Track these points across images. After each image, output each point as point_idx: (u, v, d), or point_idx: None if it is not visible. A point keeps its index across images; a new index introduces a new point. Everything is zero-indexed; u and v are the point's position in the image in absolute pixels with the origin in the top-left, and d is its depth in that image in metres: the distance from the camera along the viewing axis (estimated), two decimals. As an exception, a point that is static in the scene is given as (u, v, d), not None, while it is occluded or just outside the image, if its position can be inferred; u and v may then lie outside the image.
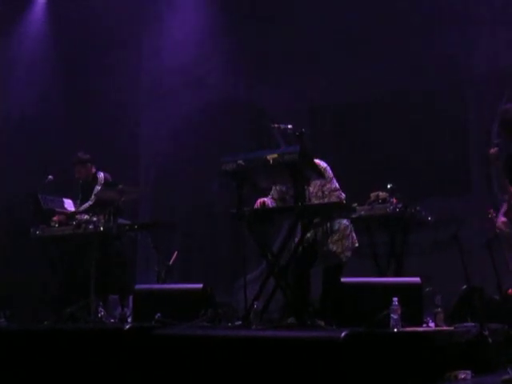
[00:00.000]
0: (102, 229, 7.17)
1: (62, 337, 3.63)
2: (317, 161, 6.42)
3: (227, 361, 2.77)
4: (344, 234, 6.35)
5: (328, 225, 6.34)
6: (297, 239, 6.09)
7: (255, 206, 6.34)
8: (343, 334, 2.53)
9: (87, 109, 10.43)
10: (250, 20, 10.43)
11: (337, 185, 6.48)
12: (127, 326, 3.17)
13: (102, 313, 7.14)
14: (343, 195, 6.41)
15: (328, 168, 6.52)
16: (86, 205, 7.85)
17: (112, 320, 7.15)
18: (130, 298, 7.31)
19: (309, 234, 6.29)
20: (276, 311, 6.84)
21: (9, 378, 3.82)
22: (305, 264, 6.31)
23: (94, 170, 8.18)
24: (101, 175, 8.10)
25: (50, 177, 7.87)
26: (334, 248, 6.32)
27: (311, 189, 6.41)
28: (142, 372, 3.07)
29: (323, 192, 6.42)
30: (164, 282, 7.38)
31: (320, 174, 6.18)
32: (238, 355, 2.74)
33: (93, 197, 7.84)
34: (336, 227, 6.36)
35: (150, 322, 5.69)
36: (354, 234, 6.47)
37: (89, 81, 10.57)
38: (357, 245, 6.47)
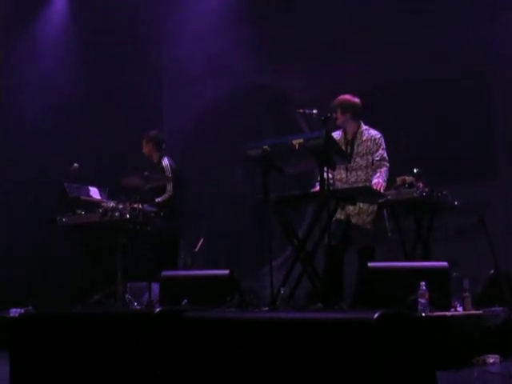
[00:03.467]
0: (128, 216, 7.18)
1: (91, 321, 3.63)
2: (372, 130, 6.74)
3: (258, 343, 2.76)
4: (379, 216, 6.45)
5: (361, 205, 6.39)
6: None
7: None
8: (376, 315, 2.50)
9: (110, 98, 10.44)
10: (274, 5, 10.40)
11: (386, 155, 6.65)
12: (157, 310, 3.17)
13: (128, 299, 7.20)
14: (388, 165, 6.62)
15: (382, 138, 6.72)
16: (164, 197, 7.89)
17: (139, 307, 7.20)
18: (156, 285, 7.33)
19: (342, 217, 6.36)
20: (302, 298, 6.84)
21: (38, 365, 3.83)
22: (338, 247, 6.35)
23: (157, 154, 8.21)
24: (165, 162, 8.15)
25: (76, 165, 7.84)
26: (369, 227, 6.40)
27: (360, 148, 6.60)
28: (172, 354, 3.07)
29: (373, 158, 6.61)
30: (190, 269, 7.40)
31: (345, 157, 6.21)
32: (269, 337, 2.73)
33: (169, 188, 7.87)
34: (370, 209, 6.42)
35: (176, 308, 5.72)
36: (387, 223, 6.55)
37: (111, 70, 10.58)
38: (389, 234, 6.55)
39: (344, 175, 6.63)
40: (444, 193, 6.47)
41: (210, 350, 2.96)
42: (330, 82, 9.55)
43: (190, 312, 3.08)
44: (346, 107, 6.71)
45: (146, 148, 8.22)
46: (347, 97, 6.78)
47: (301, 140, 5.76)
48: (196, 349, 3.02)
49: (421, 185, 6.26)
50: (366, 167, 6.62)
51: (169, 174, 7.97)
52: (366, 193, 6.14)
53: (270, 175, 5.99)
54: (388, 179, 6.54)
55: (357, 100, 6.77)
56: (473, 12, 8.96)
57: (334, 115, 6.61)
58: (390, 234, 6.59)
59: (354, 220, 6.49)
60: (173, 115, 11.43)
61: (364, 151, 6.64)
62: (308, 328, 2.66)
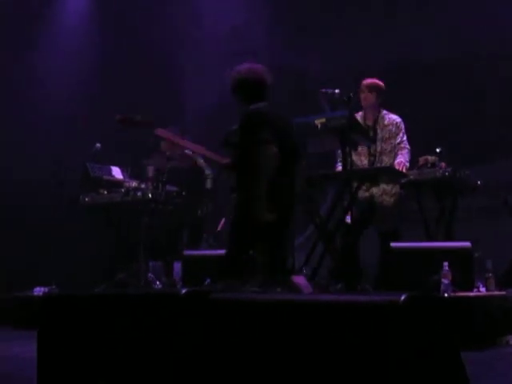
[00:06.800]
0: (150, 196, 7.22)
1: (117, 302, 3.65)
2: (392, 114, 6.76)
3: (287, 326, 2.78)
4: (400, 198, 6.47)
5: (384, 186, 6.39)
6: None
7: None
8: (403, 298, 2.51)
9: (133, 80, 10.41)
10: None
11: (406, 139, 6.69)
12: (183, 291, 3.18)
13: (151, 278, 7.24)
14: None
15: (402, 122, 6.75)
16: None
17: (161, 286, 7.25)
18: (178, 264, 7.37)
19: (367, 193, 6.35)
20: (324, 277, 6.86)
21: (65, 345, 3.85)
22: (357, 228, 6.34)
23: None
24: None
25: (98, 145, 7.85)
26: (392, 209, 6.42)
27: (383, 132, 6.67)
28: (198, 337, 3.09)
29: (396, 142, 6.64)
30: (212, 248, 7.43)
31: (368, 137, 6.21)
32: (297, 320, 2.75)
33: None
34: (393, 190, 6.42)
35: (199, 286, 5.77)
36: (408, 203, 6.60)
37: (132, 53, 10.58)
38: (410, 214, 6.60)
39: (366, 161, 6.62)
40: (467, 172, 6.46)
41: (237, 332, 2.98)
42: (352, 61, 9.46)
43: (216, 293, 3.09)
44: (380, 92, 6.73)
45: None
46: (380, 82, 6.79)
47: (323, 119, 5.77)
48: (223, 331, 3.04)
49: (443, 165, 6.25)
50: (391, 151, 6.62)
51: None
52: (389, 173, 6.15)
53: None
54: (410, 160, 6.54)
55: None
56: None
57: (362, 95, 6.62)
58: (410, 215, 6.61)
59: (378, 201, 6.49)
60: (194, 97, 11.40)
61: (387, 135, 6.65)
62: (334, 311, 2.68)
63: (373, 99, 6.69)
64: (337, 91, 6.19)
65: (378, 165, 6.59)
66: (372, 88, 6.71)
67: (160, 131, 6.19)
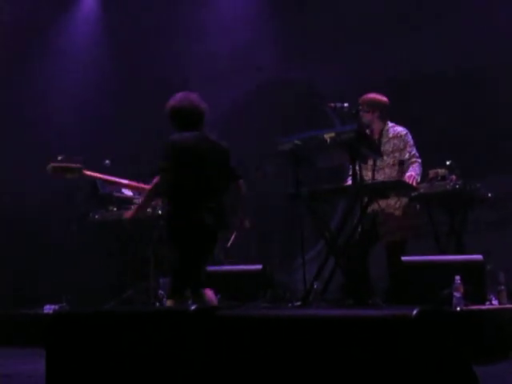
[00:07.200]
0: (159, 212, 7.21)
1: (126, 319, 3.63)
2: (397, 127, 6.61)
3: (295, 341, 2.75)
4: (409, 211, 6.38)
5: (387, 200, 6.32)
6: (356, 217, 6.06)
7: None
8: (415, 312, 2.48)
9: (137, 96, 10.43)
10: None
11: (415, 151, 6.54)
12: (192, 308, 3.16)
13: (161, 295, 7.22)
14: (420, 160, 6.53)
15: (408, 134, 6.59)
16: None
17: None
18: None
19: (369, 210, 6.26)
20: (335, 291, 6.83)
21: (73, 362, 3.84)
22: (365, 242, 6.27)
23: None
24: None
25: (107, 161, 7.84)
26: (400, 220, 6.34)
27: (386, 146, 6.52)
28: (207, 353, 3.07)
29: (402, 156, 6.48)
30: (223, 264, 7.40)
31: (377, 151, 6.16)
32: (307, 336, 2.72)
33: None
34: (397, 204, 6.35)
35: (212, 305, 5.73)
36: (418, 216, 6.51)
37: (138, 68, 10.60)
38: (419, 228, 6.50)
39: (370, 175, 6.53)
40: (477, 185, 6.41)
41: (246, 348, 2.96)
42: (359, 74, 9.45)
43: (225, 310, 3.07)
44: (375, 106, 6.57)
45: None
46: (376, 96, 6.64)
47: (332, 134, 5.73)
48: (231, 347, 3.01)
49: (454, 177, 6.20)
50: (393, 165, 6.47)
51: None
52: (399, 186, 6.10)
53: (302, 170, 5.97)
54: (422, 172, 6.47)
55: (385, 99, 6.64)
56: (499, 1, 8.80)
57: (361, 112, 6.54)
58: (419, 228, 6.54)
59: (380, 214, 6.40)
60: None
61: (391, 149, 6.51)
62: (346, 326, 2.65)
63: (372, 117, 6.56)
64: (345, 105, 6.17)
65: (380, 178, 6.49)
66: (363, 105, 6.56)
67: (87, 172, 6.36)
